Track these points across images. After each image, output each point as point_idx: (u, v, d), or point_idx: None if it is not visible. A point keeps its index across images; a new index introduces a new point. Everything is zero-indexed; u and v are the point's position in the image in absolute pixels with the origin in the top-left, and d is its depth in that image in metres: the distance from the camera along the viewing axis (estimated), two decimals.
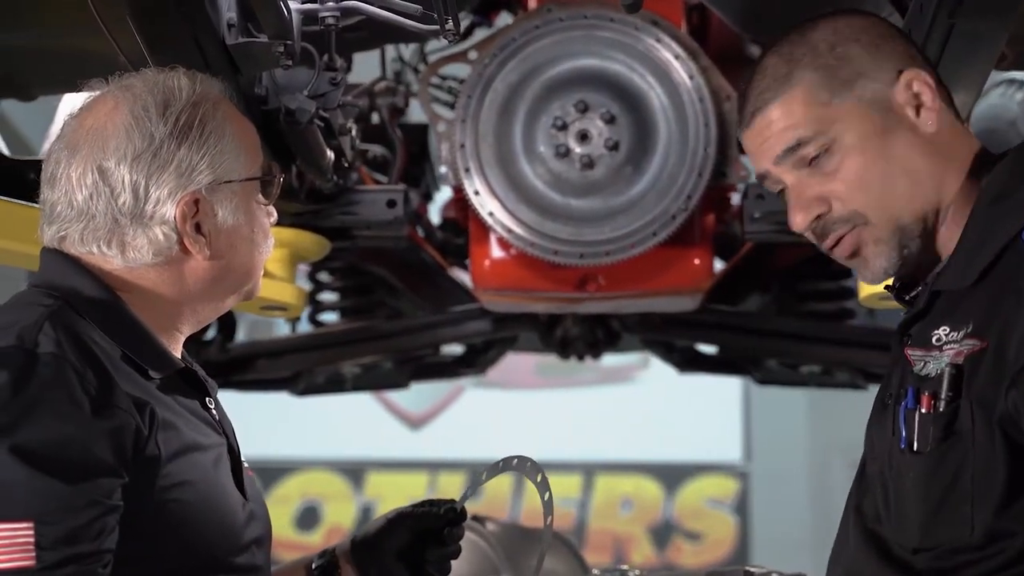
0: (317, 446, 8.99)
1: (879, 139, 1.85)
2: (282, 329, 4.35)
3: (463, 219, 3.50)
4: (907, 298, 1.94)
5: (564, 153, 3.23)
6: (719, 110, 3.22)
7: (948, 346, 1.77)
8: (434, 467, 9.07)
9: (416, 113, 3.74)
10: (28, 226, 1.93)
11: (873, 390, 2.02)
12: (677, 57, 3.22)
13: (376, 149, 3.57)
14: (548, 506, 2.06)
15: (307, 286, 3.81)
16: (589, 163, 3.23)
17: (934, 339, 1.79)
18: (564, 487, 8.90)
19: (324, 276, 3.89)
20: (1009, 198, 1.80)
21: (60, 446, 1.67)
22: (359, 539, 2.13)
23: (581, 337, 3.78)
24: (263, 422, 7.23)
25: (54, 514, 1.65)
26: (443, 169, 3.34)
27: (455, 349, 4.17)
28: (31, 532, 1.64)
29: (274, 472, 8.95)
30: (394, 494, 8.70)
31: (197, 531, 1.78)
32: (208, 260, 1.86)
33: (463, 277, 3.68)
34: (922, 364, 1.80)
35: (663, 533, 9.03)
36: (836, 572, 1.92)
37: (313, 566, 2.13)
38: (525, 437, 7.83)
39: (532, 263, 3.33)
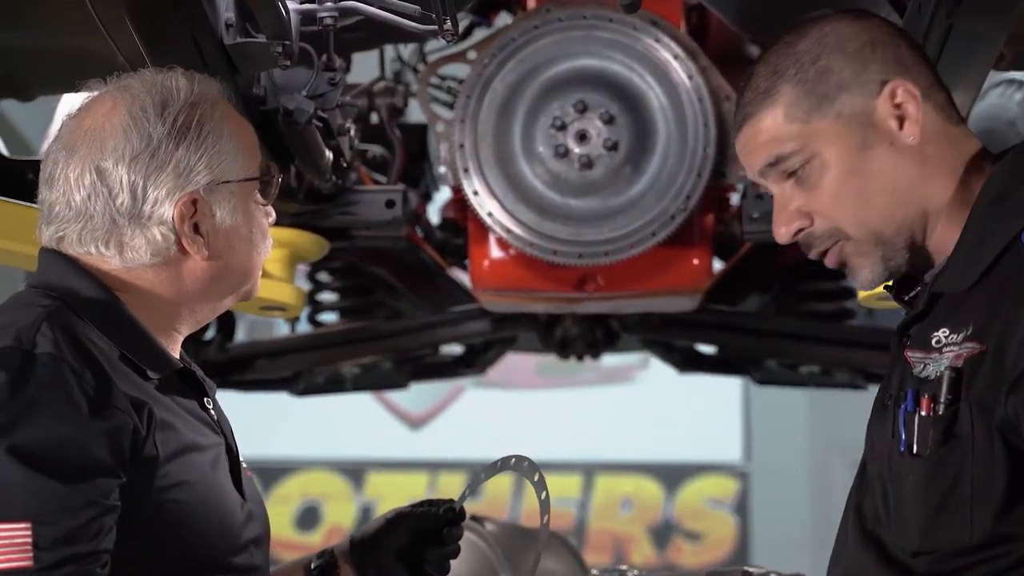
0: (317, 446, 8.99)
1: (858, 155, 1.84)
2: (282, 329, 4.36)
3: (462, 219, 3.50)
4: (906, 298, 1.93)
5: (563, 153, 3.23)
6: (718, 110, 3.22)
7: (948, 348, 1.76)
8: (434, 467, 9.07)
9: (415, 113, 3.74)
10: (27, 226, 1.93)
11: (873, 390, 2.02)
12: (676, 57, 3.22)
13: (375, 149, 3.57)
14: (545, 505, 2.06)
15: (306, 286, 3.81)
16: (588, 163, 3.23)
17: (934, 341, 1.79)
18: (564, 487, 8.90)
19: (323, 276, 3.89)
20: (1009, 199, 1.79)
21: (58, 446, 1.67)
22: (358, 539, 2.13)
23: (580, 337, 3.78)
24: (263, 422, 7.23)
25: (52, 514, 1.65)
26: (442, 169, 3.35)
27: (454, 349, 4.17)
28: (29, 532, 1.64)
29: (274, 472, 8.95)
30: (394, 494, 8.70)
31: (195, 531, 1.78)
32: (206, 260, 1.86)
33: (462, 277, 3.68)
34: (922, 366, 1.79)
35: (663, 533, 9.02)
36: (836, 573, 1.92)
37: (312, 566, 2.13)
38: (525, 437, 7.83)
39: (531, 263, 3.33)
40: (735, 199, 3.54)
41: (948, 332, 1.77)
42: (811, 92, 1.84)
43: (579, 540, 8.79)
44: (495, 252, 3.41)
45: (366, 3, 2.20)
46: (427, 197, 3.89)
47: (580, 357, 3.92)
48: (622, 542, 9.05)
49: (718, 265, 3.66)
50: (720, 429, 9.00)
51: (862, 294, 3.05)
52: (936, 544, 1.76)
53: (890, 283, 1.95)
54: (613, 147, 3.22)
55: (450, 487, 8.69)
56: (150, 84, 1.86)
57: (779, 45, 1.89)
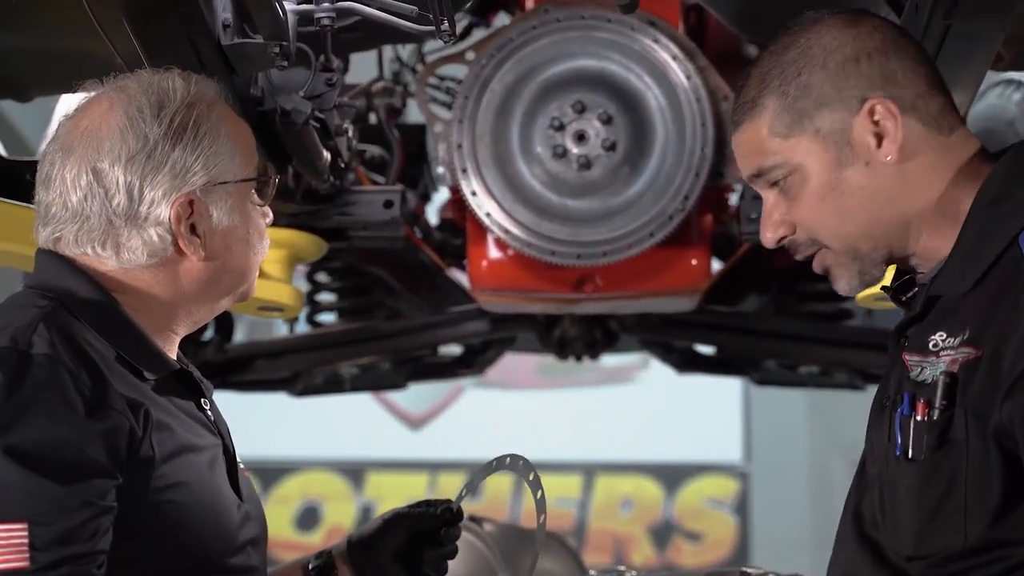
0: (317, 446, 8.99)
1: (835, 172, 1.83)
2: (282, 330, 4.36)
3: (460, 220, 3.50)
4: (904, 299, 1.93)
5: (561, 154, 3.23)
6: (716, 110, 3.22)
7: (944, 352, 1.76)
8: (434, 467, 9.07)
9: (414, 113, 3.74)
10: (26, 227, 1.93)
11: (873, 390, 2.01)
12: (674, 57, 3.22)
13: (374, 150, 3.57)
14: (541, 504, 2.06)
15: (305, 287, 3.82)
16: (586, 163, 3.23)
17: (931, 344, 1.78)
18: (564, 487, 8.90)
19: (322, 277, 3.89)
20: (1007, 200, 1.79)
21: (54, 447, 1.67)
22: (355, 540, 2.12)
23: (579, 338, 3.78)
24: (263, 422, 7.24)
25: (48, 515, 1.65)
26: (440, 170, 3.34)
27: (453, 350, 4.18)
28: (25, 533, 1.64)
29: (274, 472, 8.96)
30: (394, 494, 8.70)
31: (192, 532, 1.78)
32: (203, 261, 1.85)
33: (461, 278, 3.68)
34: (919, 369, 1.79)
35: (663, 533, 9.02)
36: (835, 574, 1.92)
37: (310, 567, 2.13)
38: (525, 437, 7.81)
39: (529, 264, 3.34)
40: (733, 199, 3.54)
41: (945, 336, 1.77)
42: (791, 107, 1.84)
43: (579, 540, 8.79)
44: (493, 252, 3.41)
45: (363, 3, 2.21)
46: (426, 197, 3.89)
47: (579, 358, 3.92)
48: (622, 542, 9.05)
49: (717, 265, 3.66)
50: (720, 429, 9.00)
51: (860, 295, 3.05)
52: (930, 549, 1.76)
53: (888, 284, 1.96)
54: (611, 147, 3.22)
55: (450, 487, 8.69)
56: (146, 85, 1.86)
57: (771, 50, 1.89)
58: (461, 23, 3.61)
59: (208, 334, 3.80)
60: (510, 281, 3.42)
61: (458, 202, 3.40)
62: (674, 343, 4.15)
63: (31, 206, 1.90)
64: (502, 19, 3.73)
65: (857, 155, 1.83)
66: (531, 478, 2.07)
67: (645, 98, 3.23)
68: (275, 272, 3.18)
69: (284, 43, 2.23)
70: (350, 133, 2.94)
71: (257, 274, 1.94)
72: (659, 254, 3.31)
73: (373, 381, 4.25)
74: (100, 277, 1.84)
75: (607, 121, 3.22)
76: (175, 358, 1.90)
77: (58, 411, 1.69)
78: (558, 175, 3.25)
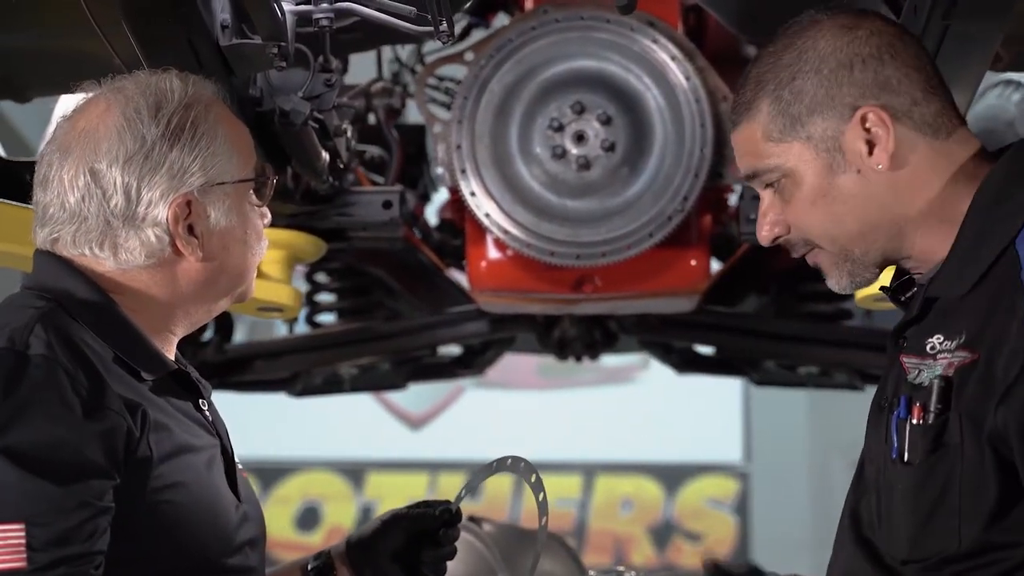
0: (317, 446, 9.00)
1: (827, 179, 1.84)
2: (282, 330, 4.36)
3: (460, 220, 3.50)
4: (903, 299, 1.93)
5: (560, 154, 3.23)
6: (715, 111, 3.22)
7: (941, 355, 1.76)
8: (434, 467, 9.07)
9: (413, 114, 3.74)
10: (26, 228, 1.93)
11: (873, 389, 2.01)
12: (673, 58, 3.22)
13: (373, 150, 3.57)
14: (543, 507, 2.06)
15: (304, 287, 3.82)
16: (585, 164, 3.23)
17: (928, 347, 1.78)
18: (564, 487, 8.90)
19: (321, 277, 3.89)
20: (1005, 202, 1.78)
21: (51, 448, 1.67)
22: (354, 540, 2.13)
23: (579, 338, 3.78)
24: (263, 423, 7.25)
25: (45, 516, 1.65)
26: (439, 170, 3.34)
27: (452, 350, 4.18)
28: (22, 534, 1.64)
29: (274, 472, 8.96)
30: (394, 494, 8.70)
31: (190, 532, 1.78)
32: (201, 262, 1.86)
33: (460, 278, 3.68)
34: (916, 372, 1.79)
35: (663, 533, 9.02)
36: (834, 574, 1.92)
37: (309, 567, 2.13)
38: (525, 437, 7.83)
39: (529, 264, 3.33)
40: (733, 200, 3.53)
41: (942, 339, 1.77)
42: (785, 112, 1.84)
43: (579, 540, 8.79)
44: (492, 253, 3.41)
45: (362, 4, 2.21)
46: (425, 198, 3.89)
47: (578, 358, 3.92)
48: (622, 542, 9.05)
49: (716, 266, 3.66)
50: (720, 429, 9.00)
51: (859, 295, 3.05)
52: (925, 553, 1.76)
53: (887, 284, 1.96)
54: (610, 148, 3.22)
55: (450, 487, 8.68)
56: (144, 86, 1.86)
57: (769, 51, 1.88)
58: (460, 24, 3.61)
59: (208, 334, 3.80)
60: (509, 281, 3.42)
61: (457, 202, 3.40)
62: (673, 343, 4.15)
63: (30, 207, 1.90)
64: (501, 20, 3.73)
65: (849, 162, 1.83)
66: (533, 480, 2.07)
67: (644, 99, 3.23)
68: (274, 272, 3.18)
69: (283, 44, 2.23)
70: (349, 134, 2.94)
71: (255, 275, 1.94)
72: (658, 255, 3.31)
73: (372, 381, 4.25)
74: (98, 278, 1.84)
75: (606, 122, 3.22)
76: (173, 359, 1.90)
77: (55, 412, 1.69)
78: (557, 176, 3.25)
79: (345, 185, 3.25)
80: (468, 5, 3.16)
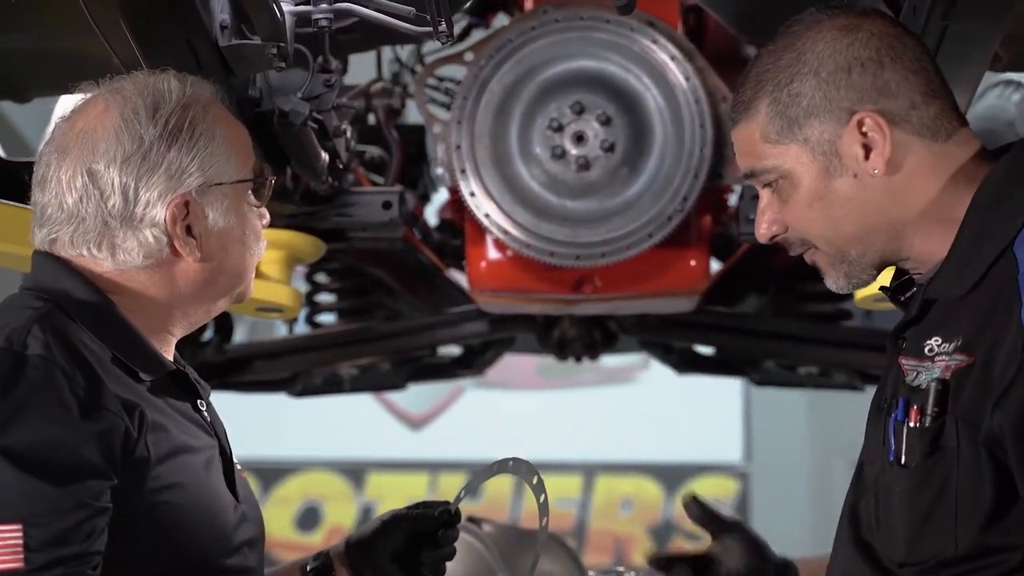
0: (318, 447, 9.00)
1: (823, 182, 1.84)
2: (282, 330, 4.36)
3: (459, 220, 3.50)
4: (903, 299, 1.93)
5: (560, 155, 3.23)
6: (715, 111, 3.21)
7: (939, 357, 1.76)
8: (435, 468, 9.07)
9: (413, 114, 3.74)
10: (25, 228, 1.93)
11: (873, 389, 2.01)
12: (673, 58, 3.22)
13: (373, 150, 3.57)
14: (544, 508, 2.06)
15: (304, 288, 3.82)
16: (585, 164, 3.23)
17: (926, 349, 1.78)
18: (564, 488, 8.90)
19: (321, 277, 3.89)
20: (1005, 201, 1.78)
21: (48, 448, 1.67)
22: (353, 541, 2.13)
23: (578, 338, 3.78)
24: (264, 423, 7.25)
25: (42, 516, 1.65)
26: (439, 170, 3.34)
27: (452, 350, 4.18)
28: (19, 534, 1.64)
29: (275, 473, 8.96)
30: (395, 495, 8.70)
31: (188, 533, 1.78)
32: (199, 262, 1.86)
33: (460, 278, 3.68)
34: (914, 374, 1.78)
35: (663, 533, 9.02)
36: (833, 574, 1.92)
37: (308, 568, 2.13)
38: (526, 438, 7.83)
39: (528, 264, 3.33)
40: (732, 200, 3.53)
41: (940, 341, 1.77)
42: (783, 114, 1.84)
43: (579, 541, 8.79)
44: (492, 253, 3.41)
45: (361, 5, 2.21)
46: (425, 198, 3.89)
47: (578, 358, 3.92)
48: (622, 543, 9.05)
49: (716, 266, 3.66)
50: (720, 429, 9.00)
51: (859, 296, 3.05)
52: (922, 555, 1.75)
53: (887, 285, 1.96)
54: (610, 148, 3.22)
55: (451, 488, 8.66)
56: (142, 86, 1.86)
57: (769, 50, 1.88)
58: (460, 24, 3.61)
59: (208, 335, 3.80)
60: (509, 282, 3.42)
61: (457, 203, 3.40)
62: (673, 344, 4.15)
63: (30, 207, 1.90)
64: (501, 20, 3.72)
65: (845, 166, 1.83)
66: (535, 482, 2.07)
67: (644, 99, 3.23)
68: (274, 273, 3.18)
69: (282, 44, 2.23)
70: (348, 134, 2.94)
71: (253, 275, 1.94)
72: (658, 255, 3.31)
73: (372, 382, 4.25)
74: (96, 278, 1.84)
75: (606, 122, 3.22)
76: (171, 359, 1.90)
77: (53, 412, 1.69)
78: (557, 176, 3.25)
79: (345, 185, 3.25)
80: (468, 5, 3.16)
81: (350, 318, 3.89)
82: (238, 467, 1.94)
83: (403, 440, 9.15)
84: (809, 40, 1.85)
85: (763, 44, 1.92)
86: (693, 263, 3.42)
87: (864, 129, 1.82)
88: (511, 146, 3.25)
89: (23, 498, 1.65)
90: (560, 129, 3.23)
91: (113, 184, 1.81)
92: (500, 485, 8.55)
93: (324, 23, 2.22)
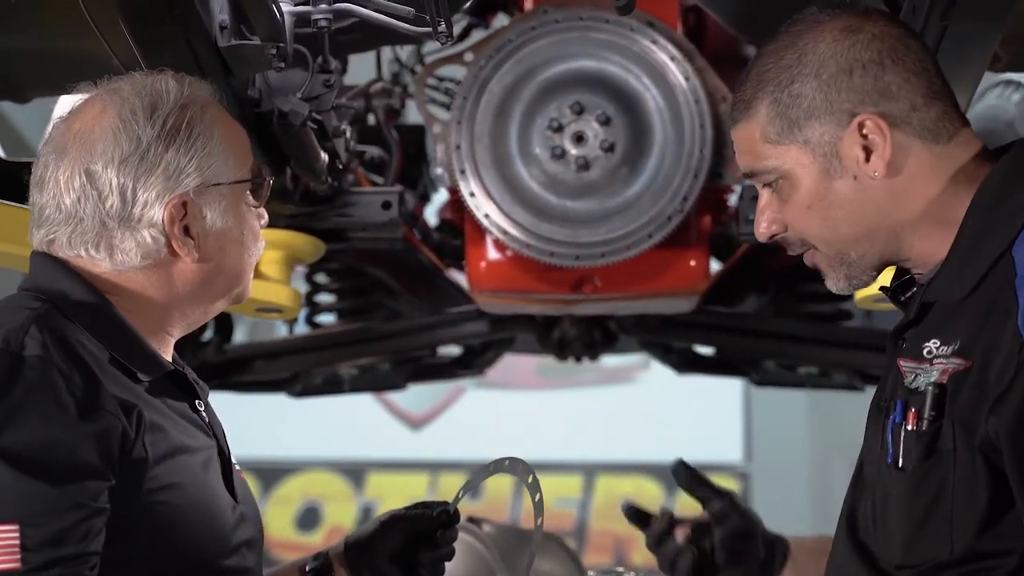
0: (318, 447, 9.00)
1: (823, 183, 1.83)
2: (283, 331, 4.36)
3: (459, 221, 3.50)
4: (903, 299, 1.93)
5: (560, 155, 3.23)
6: (715, 111, 3.21)
7: (937, 360, 1.75)
8: (435, 468, 9.07)
9: (413, 114, 3.74)
10: (25, 228, 1.94)
11: (873, 389, 2.01)
12: (673, 59, 3.22)
13: (373, 151, 3.57)
14: (539, 507, 2.07)
15: (304, 288, 3.82)
16: (585, 165, 3.23)
17: (925, 352, 1.78)
18: (565, 488, 8.90)
19: (321, 278, 3.89)
20: (1005, 202, 1.78)
21: (46, 449, 1.67)
22: (352, 541, 2.13)
23: (578, 338, 3.78)
24: (264, 423, 7.25)
25: (39, 516, 1.65)
26: (439, 171, 3.34)
27: (452, 350, 4.17)
28: (16, 534, 1.64)
29: (275, 473, 8.96)
30: (395, 495, 8.70)
31: (186, 533, 1.78)
32: (197, 263, 1.86)
33: (460, 278, 3.68)
34: (912, 376, 1.78)
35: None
36: (830, 574, 1.92)
37: (307, 568, 2.13)
38: (526, 438, 7.83)
39: (528, 265, 3.33)
40: (732, 200, 3.53)
41: (939, 344, 1.76)
42: (783, 115, 1.84)
43: (580, 541, 8.79)
44: (492, 253, 3.41)
45: (360, 5, 2.21)
46: (424, 198, 3.89)
47: (578, 358, 3.92)
48: (623, 543, 9.04)
49: (716, 266, 3.66)
50: (720, 429, 9.00)
51: (859, 296, 3.05)
52: (918, 559, 1.75)
53: (887, 285, 1.95)
54: (610, 148, 3.22)
55: (451, 488, 8.65)
56: (140, 87, 1.86)
57: (770, 48, 1.87)
58: (460, 24, 3.61)
59: (208, 335, 3.80)
60: (509, 282, 3.42)
61: (457, 203, 3.40)
62: (673, 344, 4.15)
63: (28, 207, 1.90)
64: (501, 20, 3.72)
65: (845, 168, 1.83)
66: (530, 481, 2.08)
67: (643, 99, 3.23)
68: (273, 273, 3.18)
69: (281, 44, 2.23)
70: (348, 134, 2.94)
71: (252, 276, 1.94)
72: (658, 255, 3.31)
73: (372, 382, 4.25)
74: (94, 279, 1.84)
75: (605, 122, 3.22)
76: (170, 359, 1.90)
77: (50, 413, 1.69)
78: (556, 176, 3.25)
79: (344, 186, 3.25)
80: (467, 5, 3.16)
81: (350, 318, 3.88)
82: (236, 467, 1.94)
83: (403, 440, 9.15)
84: (811, 40, 1.84)
85: (763, 43, 1.92)
86: (693, 263, 3.42)
87: (865, 131, 1.81)
88: (511, 146, 3.25)
89: (20, 498, 1.65)
90: (560, 129, 3.23)
91: (111, 185, 1.81)
92: (500, 485, 8.55)
93: (323, 23, 2.22)
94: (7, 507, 1.65)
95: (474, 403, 8.97)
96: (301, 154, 2.66)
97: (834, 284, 1.90)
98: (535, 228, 3.26)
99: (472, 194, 3.26)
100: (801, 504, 8.60)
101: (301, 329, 3.97)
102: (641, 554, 8.93)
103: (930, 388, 1.74)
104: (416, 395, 7.97)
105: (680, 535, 2.22)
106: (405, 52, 3.90)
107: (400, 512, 2.12)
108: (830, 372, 4.04)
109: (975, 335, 1.73)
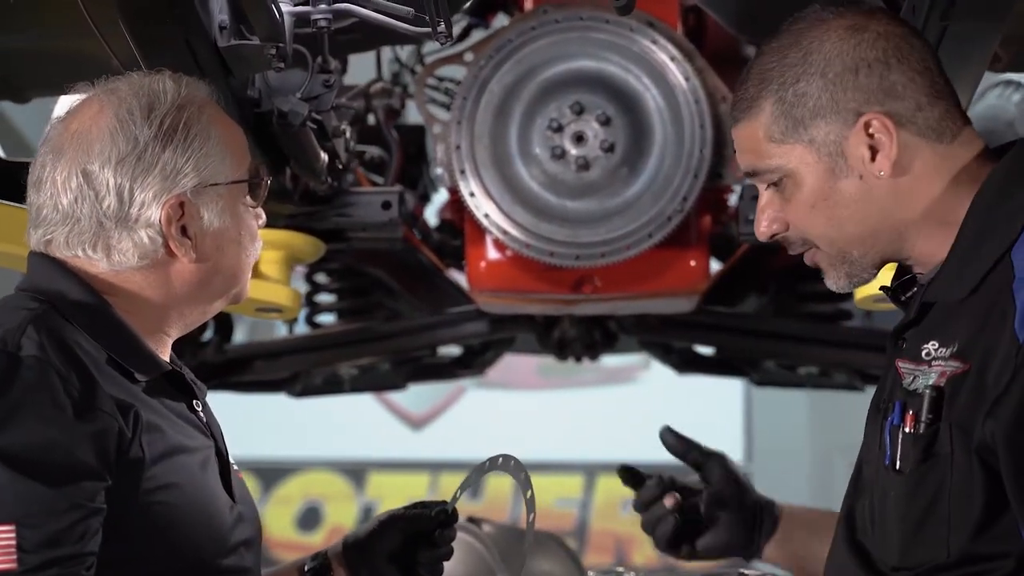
0: (318, 446, 8.99)
1: (828, 182, 1.83)
2: (282, 331, 4.36)
3: (459, 221, 3.50)
4: (903, 299, 1.93)
5: (560, 155, 3.23)
6: (715, 111, 3.21)
7: (936, 362, 1.76)
8: (436, 467, 9.07)
9: (413, 115, 3.74)
10: (24, 228, 1.94)
11: (873, 389, 2.02)
12: (673, 59, 3.21)
13: (373, 151, 3.57)
14: (531, 504, 2.07)
15: (303, 288, 3.81)
16: (585, 165, 3.23)
17: (923, 353, 1.78)
18: (565, 488, 8.90)
19: (321, 278, 3.89)
20: (1006, 202, 1.78)
21: (43, 449, 1.67)
22: (350, 541, 2.13)
23: (578, 338, 3.78)
24: (265, 423, 7.25)
25: (36, 517, 1.66)
26: (439, 171, 3.34)
27: (452, 350, 4.17)
28: (13, 535, 1.64)
29: (275, 472, 8.96)
30: (395, 494, 8.70)
31: (183, 533, 1.79)
32: (194, 263, 1.86)
33: (460, 278, 3.68)
34: (911, 378, 1.78)
35: None
36: (830, 574, 1.93)
37: (306, 568, 2.13)
38: (526, 438, 7.82)
39: (528, 265, 3.33)
40: (732, 200, 3.53)
41: (938, 345, 1.76)
42: (788, 114, 1.83)
43: (581, 541, 8.79)
44: (492, 253, 3.40)
45: (360, 5, 2.20)
46: (424, 198, 3.88)
47: (578, 358, 3.91)
48: (623, 543, 9.04)
49: (716, 266, 3.66)
50: (721, 429, 8.96)
51: (859, 296, 3.05)
52: (915, 561, 1.75)
53: (888, 284, 1.95)
54: (610, 149, 3.22)
55: (451, 488, 8.61)
56: (137, 87, 1.86)
57: (773, 47, 1.86)
58: (460, 24, 3.61)
59: (207, 335, 3.80)
60: (509, 282, 3.42)
61: (456, 203, 3.40)
62: (673, 344, 4.15)
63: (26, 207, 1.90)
64: (501, 20, 3.72)
65: (851, 167, 1.82)
66: (522, 478, 2.08)
67: (643, 99, 3.22)
68: (273, 273, 3.18)
69: (281, 45, 2.22)
70: (348, 134, 2.94)
71: (249, 276, 1.94)
72: (658, 255, 3.31)
73: (372, 382, 4.25)
74: (91, 279, 1.84)
75: (605, 122, 3.22)
76: (167, 360, 1.90)
77: (47, 413, 1.69)
78: (556, 176, 3.25)
79: (344, 186, 3.25)
80: (467, 5, 3.16)
81: (350, 318, 3.88)
82: (235, 467, 1.94)
83: (404, 440, 9.14)
84: (815, 39, 1.84)
85: (765, 41, 1.91)
86: (693, 263, 3.42)
87: (871, 131, 1.81)
88: (511, 146, 3.25)
89: (17, 499, 1.65)
90: (560, 129, 3.23)
91: (108, 185, 1.81)
92: (500, 485, 8.55)
93: (323, 23, 2.22)
94: (4, 508, 1.65)
95: (474, 403, 8.96)
96: (301, 154, 2.66)
97: (835, 283, 1.89)
98: (535, 228, 3.25)
99: (472, 194, 3.26)
100: (801, 504, 8.60)
101: (301, 329, 3.97)
102: (641, 554, 8.95)
103: (928, 391, 1.74)
104: (416, 395, 7.97)
105: (669, 501, 2.23)
106: (405, 52, 3.90)
107: (399, 512, 2.13)
108: (830, 372, 4.04)
109: (974, 337, 1.73)
